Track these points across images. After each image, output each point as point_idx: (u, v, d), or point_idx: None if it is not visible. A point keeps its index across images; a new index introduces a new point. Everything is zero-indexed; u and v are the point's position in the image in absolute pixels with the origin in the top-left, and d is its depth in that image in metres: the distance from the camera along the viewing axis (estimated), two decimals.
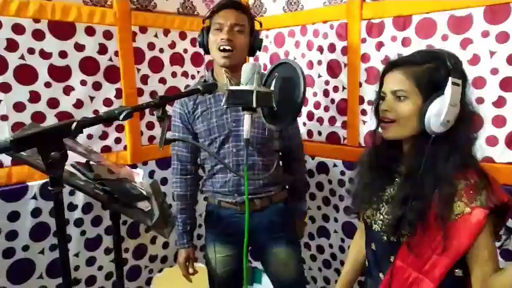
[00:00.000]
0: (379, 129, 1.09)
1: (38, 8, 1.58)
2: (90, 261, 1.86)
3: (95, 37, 1.76)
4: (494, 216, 0.94)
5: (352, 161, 1.87)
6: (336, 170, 1.96)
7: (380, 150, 1.12)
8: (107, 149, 1.87)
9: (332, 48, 1.87)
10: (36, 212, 1.65)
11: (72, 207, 1.76)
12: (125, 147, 1.94)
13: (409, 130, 1.00)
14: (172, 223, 1.20)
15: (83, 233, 1.81)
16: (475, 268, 0.94)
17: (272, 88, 1.02)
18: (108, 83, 1.83)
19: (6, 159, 1.58)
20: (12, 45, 1.55)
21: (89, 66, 1.76)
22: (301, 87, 1.00)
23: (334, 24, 1.84)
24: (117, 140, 1.91)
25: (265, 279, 2.30)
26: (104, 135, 1.85)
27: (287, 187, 1.66)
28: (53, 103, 1.68)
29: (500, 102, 1.43)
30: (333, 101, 1.93)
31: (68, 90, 1.71)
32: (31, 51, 1.59)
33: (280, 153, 1.62)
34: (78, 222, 1.78)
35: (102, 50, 1.79)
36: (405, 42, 1.63)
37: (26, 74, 1.59)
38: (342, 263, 2.03)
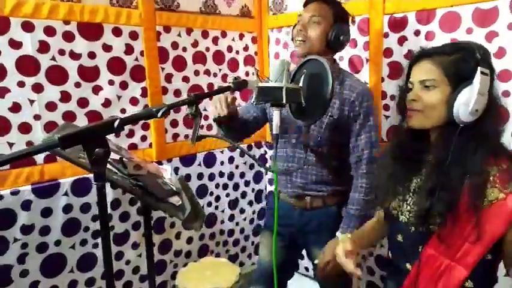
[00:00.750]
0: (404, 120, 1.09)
1: (67, 10, 1.63)
2: (118, 256, 1.92)
3: (122, 37, 1.81)
4: None
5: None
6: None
7: (405, 141, 1.13)
8: (133, 147, 1.92)
9: (354, 43, 1.87)
10: (67, 208, 1.71)
11: None
12: (150, 145, 1.99)
13: (435, 120, 1.01)
14: (203, 217, 1.23)
15: (111, 228, 1.86)
16: (509, 252, 0.94)
17: (301, 84, 1.04)
18: (134, 82, 1.88)
19: (39, 157, 1.64)
20: (44, 47, 1.60)
21: (116, 66, 1.81)
22: (330, 83, 1.01)
23: (356, 20, 1.84)
24: (143, 138, 1.96)
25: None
26: (130, 133, 1.90)
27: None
28: (82, 102, 1.73)
29: None
30: None
31: (96, 90, 1.77)
32: (62, 52, 1.65)
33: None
34: (108, 218, 1.84)
35: (129, 50, 1.84)
36: (429, 36, 1.62)
37: (57, 75, 1.65)
38: (363, 257, 2.03)
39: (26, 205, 1.60)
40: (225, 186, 2.35)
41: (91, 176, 1.75)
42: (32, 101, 1.60)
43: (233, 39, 2.27)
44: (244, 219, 2.49)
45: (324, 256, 1.38)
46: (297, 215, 1.56)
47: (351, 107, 1.42)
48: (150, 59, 1.91)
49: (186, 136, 2.13)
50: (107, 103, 1.80)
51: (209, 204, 2.29)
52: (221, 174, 2.31)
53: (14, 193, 1.57)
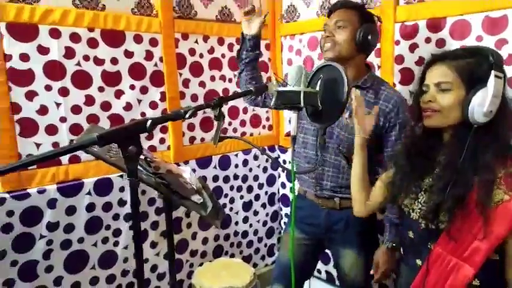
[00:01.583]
0: (420, 122, 1.14)
1: (92, 17, 1.72)
2: None
3: (142, 44, 1.89)
4: None
5: None
6: None
7: (418, 140, 1.17)
8: (152, 149, 2.00)
9: None
10: (90, 207, 1.79)
11: (122, 202, 1.89)
12: (168, 147, 2.06)
13: (451, 120, 1.06)
14: (223, 214, 1.29)
15: (131, 227, 1.93)
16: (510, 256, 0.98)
17: (317, 88, 1.10)
18: (153, 87, 1.96)
19: (64, 158, 1.72)
20: (70, 53, 1.69)
21: (137, 71, 1.89)
22: (345, 87, 1.07)
23: None
24: (161, 141, 2.03)
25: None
26: (149, 136, 1.98)
27: None
28: (105, 106, 1.81)
29: None
30: None
31: (118, 94, 1.85)
32: (86, 58, 1.74)
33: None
34: (127, 217, 1.91)
35: (149, 56, 1.92)
36: (439, 43, 1.67)
37: (82, 80, 1.74)
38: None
39: (52, 203, 1.68)
40: (239, 189, 2.42)
41: (112, 176, 1.84)
42: (58, 104, 1.69)
43: None
44: (258, 221, 2.54)
45: (379, 267, 1.51)
46: (324, 215, 1.57)
47: (386, 118, 1.44)
48: (169, 65, 1.99)
49: (202, 139, 2.20)
50: (128, 107, 1.88)
51: (224, 205, 2.35)
52: (235, 177, 2.38)
53: (41, 192, 1.65)
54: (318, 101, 1.08)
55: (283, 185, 2.61)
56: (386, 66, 1.86)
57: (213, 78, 2.20)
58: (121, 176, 1.87)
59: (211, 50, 2.17)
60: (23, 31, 1.57)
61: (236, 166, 2.37)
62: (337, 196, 1.55)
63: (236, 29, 2.25)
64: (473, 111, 1.00)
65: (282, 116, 2.54)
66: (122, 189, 1.88)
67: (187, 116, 0.92)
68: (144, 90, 1.93)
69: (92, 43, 1.74)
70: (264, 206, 2.56)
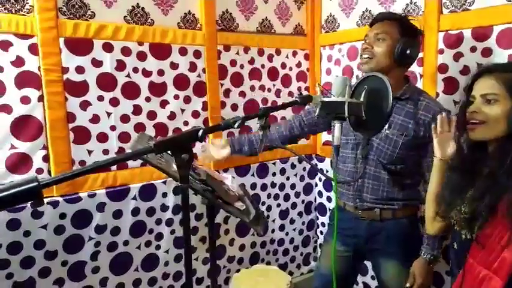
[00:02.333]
0: (465, 134, 1.13)
1: (142, 32, 1.82)
2: (178, 258, 2.04)
3: (187, 56, 1.97)
4: None
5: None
6: None
7: (465, 153, 1.17)
8: (193, 156, 2.06)
9: None
10: (135, 211, 1.87)
11: (165, 208, 1.96)
12: None
13: (496, 132, 1.05)
14: (265, 222, 1.32)
15: (172, 231, 2.00)
16: None
17: (361, 99, 1.11)
18: (196, 97, 2.03)
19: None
20: (120, 66, 1.80)
21: (181, 82, 1.97)
22: (390, 98, 1.08)
23: None
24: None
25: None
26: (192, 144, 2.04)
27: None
28: (151, 115, 1.90)
29: None
30: None
31: (163, 104, 1.93)
32: (135, 70, 1.83)
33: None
34: (169, 222, 1.98)
35: (192, 67, 2.00)
36: (485, 52, 1.64)
37: (131, 90, 1.83)
38: None
39: (101, 207, 1.78)
40: (276, 197, 2.44)
41: (156, 182, 1.92)
42: (109, 114, 1.79)
43: (287, 56, 2.38)
44: (294, 230, 2.55)
45: (415, 279, 1.48)
46: (365, 226, 1.57)
47: (427, 128, 1.42)
48: (211, 75, 2.06)
49: None
50: (172, 116, 1.96)
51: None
52: (273, 185, 2.40)
53: (91, 196, 1.75)
54: (362, 111, 1.10)
55: (320, 194, 2.61)
56: (429, 75, 1.83)
57: (252, 88, 2.25)
58: (164, 183, 1.94)
59: (251, 61, 2.23)
60: (79, 45, 1.69)
61: (274, 174, 2.39)
62: (378, 207, 1.54)
63: (276, 40, 2.31)
64: None
65: None
66: (164, 194, 1.95)
67: (236, 125, 0.96)
68: (187, 100, 2.01)
69: (141, 56, 1.84)
70: (300, 214, 2.57)
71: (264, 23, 2.26)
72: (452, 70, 1.75)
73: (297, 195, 2.54)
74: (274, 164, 2.39)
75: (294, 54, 2.41)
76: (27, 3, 1.57)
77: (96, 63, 1.74)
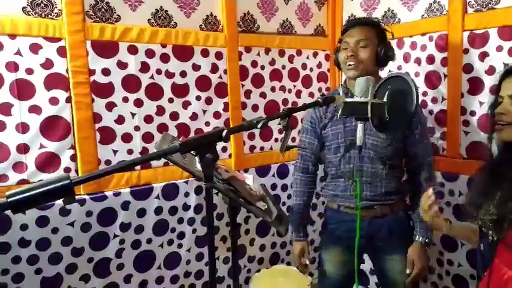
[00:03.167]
0: (493, 136, 1.12)
1: (165, 34, 1.86)
2: (199, 257, 2.07)
3: (209, 58, 2.00)
4: None
5: (452, 172, 1.85)
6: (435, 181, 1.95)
7: (493, 154, 1.15)
8: None
9: (431, 59, 1.89)
10: (158, 210, 1.91)
11: (187, 207, 1.99)
12: (230, 156, 2.15)
13: None
14: (287, 222, 1.33)
15: (194, 231, 2.03)
16: None
17: (385, 99, 1.11)
18: (217, 98, 2.06)
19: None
20: (144, 67, 1.84)
21: (203, 83, 2.00)
22: (414, 99, 1.07)
23: (434, 36, 1.86)
24: (224, 149, 2.12)
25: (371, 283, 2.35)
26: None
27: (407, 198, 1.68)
28: (174, 116, 1.94)
29: None
30: (431, 112, 1.93)
31: (185, 105, 1.97)
32: (159, 71, 1.87)
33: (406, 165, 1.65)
34: (191, 221, 2.01)
35: (214, 69, 2.03)
36: None
37: (154, 92, 1.87)
38: (440, 276, 1.99)
39: (125, 205, 1.82)
40: None
41: (178, 182, 1.95)
42: (133, 114, 1.83)
43: (307, 57, 2.38)
44: (314, 231, 2.54)
45: (415, 264, 1.52)
46: (366, 224, 1.58)
47: None
48: (232, 76, 2.08)
49: (262, 148, 2.26)
50: (194, 116, 2.00)
51: None
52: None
53: (116, 194, 1.80)
54: (385, 112, 1.09)
55: (317, 196, 2.58)
56: (453, 76, 1.80)
57: (273, 89, 2.26)
58: (186, 182, 1.97)
59: (272, 62, 2.24)
60: (105, 48, 1.74)
61: (294, 175, 2.39)
62: (377, 204, 1.56)
63: (297, 41, 2.32)
64: None
65: None
66: (186, 194, 1.98)
67: (259, 126, 0.97)
68: (208, 101, 2.03)
69: (164, 58, 1.88)
70: (320, 215, 2.56)
71: (285, 24, 2.27)
72: (478, 70, 1.72)
73: (317, 196, 2.53)
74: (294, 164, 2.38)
75: (315, 55, 2.41)
76: (56, 7, 1.63)
77: (122, 65, 1.78)
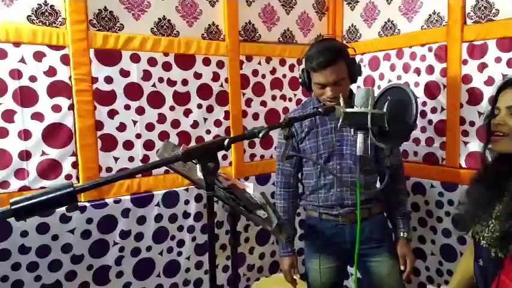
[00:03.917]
0: (489, 145, 1.12)
1: (167, 43, 1.88)
2: (199, 265, 2.07)
3: (210, 66, 2.02)
4: None
5: (451, 182, 1.86)
6: (434, 190, 1.95)
7: (490, 166, 1.16)
8: None
9: (430, 70, 1.90)
10: (158, 218, 1.91)
11: (187, 214, 1.99)
12: (230, 164, 2.15)
13: None
14: (286, 230, 1.33)
15: (193, 238, 2.03)
16: None
17: (384, 110, 1.12)
18: (218, 106, 2.07)
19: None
20: (147, 76, 1.85)
21: (204, 91, 2.02)
22: (413, 110, 1.09)
23: (433, 47, 1.88)
24: (224, 157, 2.13)
25: None
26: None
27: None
28: (175, 124, 1.95)
29: None
30: (430, 122, 1.95)
31: (187, 113, 1.98)
32: (161, 80, 1.89)
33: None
34: (191, 229, 2.01)
35: (215, 77, 2.04)
36: (511, 63, 1.62)
37: (156, 99, 1.89)
38: (439, 286, 1.99)
39: (125, 213, 1.82)
40: None
41: (179, 189, 1.96)
42: (135, 122, 1.84)
43: None
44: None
45: (407, 259, 1.62)
46: (348, 230, 1.63)
47: None
48: (233, 85, 2.10)
49: (262, 156, 2.27)
50: (194, 124, 2.01)
51: None
52: None
53: (117, 201, 1.80)
54: (384, 122, 1.10)
55: None
56: (452, 86, 1.82)
57: (274, 98, 2.28)
58: (186, 190, 1.98)
59: (273, 71, 2.26)
60: (108, 56, 1.75)
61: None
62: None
63: (297, 50, 2.32)
64: None
65: None
66: (186, 202, 1.99)
67: (260, 135, 0.99)
68: (210, 109, 2.05)
69: (166, 66, 1.89)
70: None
71: (286, 34, 2.30)
72: (477, 81, 1.74)
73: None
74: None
75: None
76: (60, 15, 1.65)
77: (124, 73, 1.80)
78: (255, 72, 2.19)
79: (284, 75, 2.31)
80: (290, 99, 2.35)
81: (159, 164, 0.92)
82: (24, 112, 1.59)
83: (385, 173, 1.62)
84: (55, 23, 1.64)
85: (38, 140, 1.62)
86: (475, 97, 1.75)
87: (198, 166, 0.99)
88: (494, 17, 1.67)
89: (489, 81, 1.69)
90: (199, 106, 2.01)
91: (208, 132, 2.06)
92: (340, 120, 1.11)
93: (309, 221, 1.76)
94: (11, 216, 0.72)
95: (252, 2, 2.15)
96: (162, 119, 1.91)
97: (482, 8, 1.70)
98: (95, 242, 1.77)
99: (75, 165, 1.71)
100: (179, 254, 2.00)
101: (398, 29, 2.07)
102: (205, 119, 2.04)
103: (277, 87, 2.29)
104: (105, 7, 1.73)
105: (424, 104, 1.96)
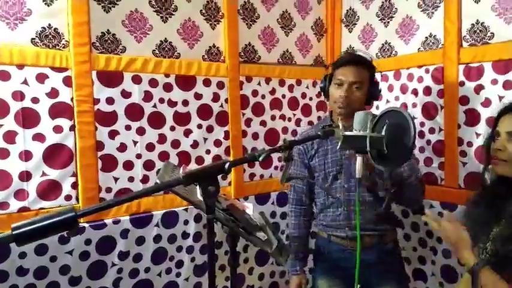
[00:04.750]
0: (489, 168, 1.13)
1: (168, 65, 1.91)
2: (197, 286, 2.05)
3: (210, 87, 2.05)
4: None
5: (451, 202, 1.86)
6: (433, 211, 1.95)
7: (488, 188, 1.16)
8: None
9: (428, 91, 1.93)
10: (157, 238, 1.90)
11: (186, 235, 1.98)
12: (229, 183, 2.16)
13: None
14: (287, 252, 1.32)
15: (192, 259, 2.02)
16: None
17: (383, 133, 1.13)
18: (218, 126, 2.09)
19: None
20: (148, 96, 1.87)
21: (204, 112, 2.04)
22: (412, 133, 1.10)
23: (430, 69, 1.91)
24: (223, 176, 2.12)
25: None
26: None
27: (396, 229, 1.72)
28: (175, 144, 1.96)
29: None
30: (428, 142, 1.96)
31: (187, 133, 1.99)
32: (162, 100, 1.91)
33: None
34: (190, 250, 2.00)
35: (215, 97, 2.07)
36: (507, 85, 1.64)
37: (156, 120, 1.90)
38: None
39: (124, 233, 1.81)
40: None
41: (178, 209, 1.95)
42: (135, 142, 1.85)
43: (307, 87, 2.43)
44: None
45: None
46: (356, 256, 1.58)
47: None
48: (233, 105, 2.12)
49: (262, 176, 2.27)
50: (195, 144, 2.02)
51: None
52: None
53: (116, 222, 1.79)
54: (383, 145, 1.11)
55: None
56: (450, 107, 1.84)
57: (273, 118, 2.30)
58: (186, 210, 1.97)
59: (272, 91, 2.28)
60: (110, 78, 1.77)
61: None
62: (367, 234, 1.56)
63: (296, 71, 2.37)
64: None
65: None
66: (186, 222, 1.98)
67: (260, 159, 1.00)
68: (209, 129, 2.06)
69: (167, 87, 1.92)
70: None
71: (285, 55, 2.33)
72: (474, 102, 1.76)
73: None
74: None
75: (314, 84, 2.46)
76: (64, 38, 1.68)
77: (126, 94, 1.82)
78: (255, 93, 2.21)
79: (283, 96, 2.33)
80: (289, 119, 2.37)
81: (161, 188, 0.92)
82: (26, 133, 1.60)
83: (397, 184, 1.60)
84: (58, 46, 1.67)
85: (38, 160, 1.63)
86: (472, 118, 1.77)
87: (198, 188, 0.99)
88: (489, 40, 1.71)
89: (486, 103, 1.71)
90: (200, 126, 2.03)
91: (208, 152, 2.06)
92: (339, 144, 1.12)
93: (318, 242, 1.75)
94: (12, 241, 0.72)
95: (252, 24, 2.19)
96: (162, 139, 1.92)
97: (478, 31, 1.73)
98: (93, 264, 1.76)
99: (75, 185, 1.71)
100: (178, 275, 1.98)
101: (396, 51, 2.11)
102: (205, 139, 2.05)
103: (277, 107, 2.31)
104: (108, 30, 1.76)
105: (422, 124, 1.97)
